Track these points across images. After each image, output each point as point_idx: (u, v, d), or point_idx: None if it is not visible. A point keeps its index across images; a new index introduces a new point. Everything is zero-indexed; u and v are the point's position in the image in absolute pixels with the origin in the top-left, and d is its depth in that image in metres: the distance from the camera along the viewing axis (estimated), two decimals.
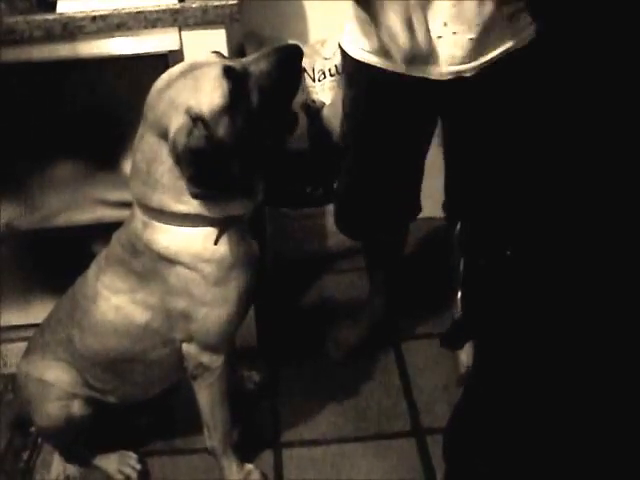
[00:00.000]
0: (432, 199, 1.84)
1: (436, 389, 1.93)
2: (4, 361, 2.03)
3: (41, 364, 1.61)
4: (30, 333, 1.72)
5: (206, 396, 1.59)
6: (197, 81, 1.29)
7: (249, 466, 1.70)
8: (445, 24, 1.44)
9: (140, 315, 1.47)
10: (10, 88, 1.73)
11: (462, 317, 1.36)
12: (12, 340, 1.97)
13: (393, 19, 1.31)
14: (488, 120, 1.58)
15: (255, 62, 1.32)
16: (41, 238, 1.98)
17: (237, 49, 1.94)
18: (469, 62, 1.48)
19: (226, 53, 1.64)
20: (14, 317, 2.00)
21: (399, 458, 1.75)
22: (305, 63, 2.08)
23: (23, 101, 1.81)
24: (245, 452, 1.72)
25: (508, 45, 1.50)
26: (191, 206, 1.36)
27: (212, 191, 1.32)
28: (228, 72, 1.28)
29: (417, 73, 1.50)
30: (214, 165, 1.27)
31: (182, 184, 1.32)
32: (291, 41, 2.09)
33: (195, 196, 1.32)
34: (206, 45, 1.61)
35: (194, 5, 1.59)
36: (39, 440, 1.85)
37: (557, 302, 1.28)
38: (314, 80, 2.11)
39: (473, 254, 1.31)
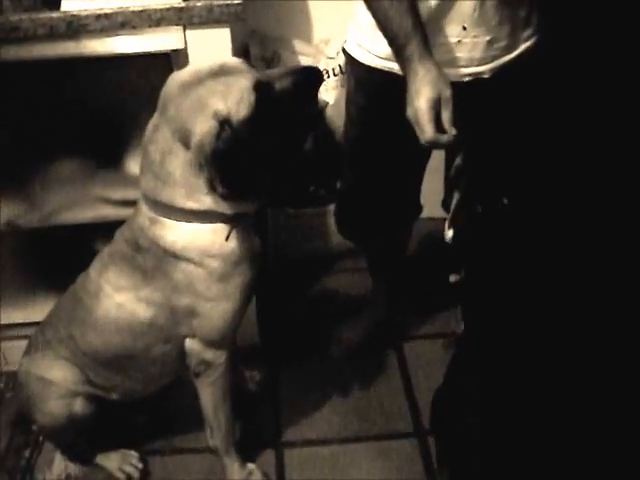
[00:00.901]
0: (433, 199, 1.83)
1: None
2: (5, 359, 2.03)
3: (43, 362, 1.61)
4: (31, 331, 1.72)
5: (209, 394, 1.59)
6: (228, 88, 1.30)
7: (251, 466, 1.71)
8: (464, 28, 1.44)
9: (144, 312, 1.47)
10: (13, 86, 1.72)
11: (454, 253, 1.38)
12: (13, 338, 1.97)
13: (423, 105, 1.30)
14: (500, 119, 1.58)
15: (279, 78, 1.35)
16: (43, 236, 1.98)
17: (241, 48, 1.93)
18: (488, 63, 1.49)
19: (230, 52, 1.64)
20: (15, 315, 2.00)
21: (401, 459, 1.76)
22: (309, 62, 2.08)
23: (26, 99, 1.81)
24: (247, 452, 1.73)
25: (523, 47, 1.52)
26: (203, 203, 1.36)
27: (238, 191, 1.34)
28: (258, 86, 1.31)
29: None
30: (239, 167, 1.31)
31: (195, 181, 1.34)
32: (295, 40, 2.10)
33: (223, 196, 1.34)
34: (210, 44, 1.62)
35: (199, 4, 1.58)
36: (40, 438, 1.85)
37: (549, 251, 1.29)
38: None
39: (470, 199, 1.33)
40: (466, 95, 1.52)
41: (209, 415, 1.63)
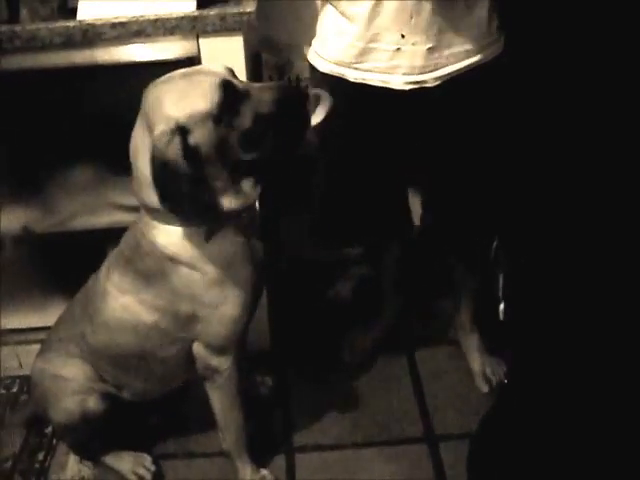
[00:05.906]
0: None
1: (448, 395, 1.93)
2: (20, 363, 2.05)
3: (56, 360, 1.64)
4: (46, 335, 1.74)
5: (218, 398, 1.60)
6: (191, 85, 1.27)
7: (263, 470, 1.71)
8: (403, 36, 1.43)
9: (147, 315, 1.48)
10: (30, 94, 1.75)
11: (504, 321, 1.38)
12: (27, 342, 1.99)
13: None
14: (460, 132, 1.56)
15: (260, 89, 1.30)
16: (58, 241, 2.00)
17: (254, 56, 1.95)
18: (431, 71, 1.47)
19: (243, 59, 1.66)
20: (30, 319, 2.02)
21: (411, 464, 1.76)
22: None
23: (42, 106, 1.83)
24: (258, 456, 1.73)
25: (475, 58, 1.49)
26: None
27: (178, 210, 1.30)
28: (226, 85, 1.27)
29: (379, 84, 1.50)
30: (183, 186, 1.24)
31: None
32: (307, 48, 2.11)
33: (165, 207, 1.29)
34: (223, 52, 1.63)
35: (212, 12, 1.60)
36: (54, 441, 1.87)
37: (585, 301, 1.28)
38: None
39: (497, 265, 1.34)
40: (418, 106, 1.51)
41: (219, 419, 1.64)
